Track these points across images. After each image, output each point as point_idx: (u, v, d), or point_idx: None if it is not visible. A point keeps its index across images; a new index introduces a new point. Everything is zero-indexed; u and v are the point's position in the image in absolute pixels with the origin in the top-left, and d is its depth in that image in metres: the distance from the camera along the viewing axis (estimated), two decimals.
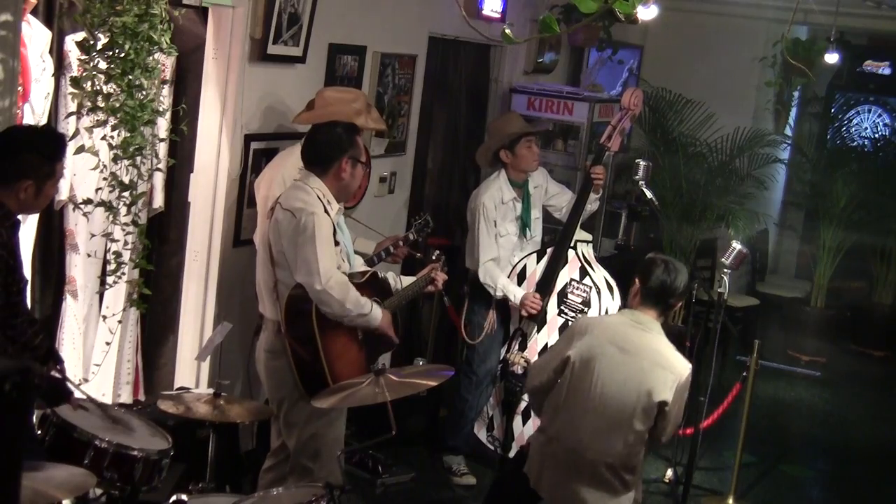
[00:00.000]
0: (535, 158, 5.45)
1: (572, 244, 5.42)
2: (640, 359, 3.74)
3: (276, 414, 4.15)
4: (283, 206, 3.96)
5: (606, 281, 5.40)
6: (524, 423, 5.45)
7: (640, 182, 5.51)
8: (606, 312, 5.33)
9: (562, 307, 5.36)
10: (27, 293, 3.41)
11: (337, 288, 3.88)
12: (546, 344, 5.37)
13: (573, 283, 5.36)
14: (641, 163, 5.57)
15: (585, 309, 5.30)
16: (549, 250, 5.46)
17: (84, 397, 3.48)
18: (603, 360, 3.76)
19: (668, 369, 3.73)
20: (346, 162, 4.03)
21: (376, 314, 4.04)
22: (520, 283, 5.42)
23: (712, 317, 5.25)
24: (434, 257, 4.57)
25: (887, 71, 9.94)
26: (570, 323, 5.32)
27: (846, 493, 6.21)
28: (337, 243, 4.02)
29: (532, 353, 5.38)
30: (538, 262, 5.44)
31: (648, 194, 5.54)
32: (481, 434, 5.61)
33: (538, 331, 5.40)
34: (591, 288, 5.31)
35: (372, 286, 4.14)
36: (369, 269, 4.29)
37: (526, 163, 5.42)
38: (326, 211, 3.97)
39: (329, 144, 4.06)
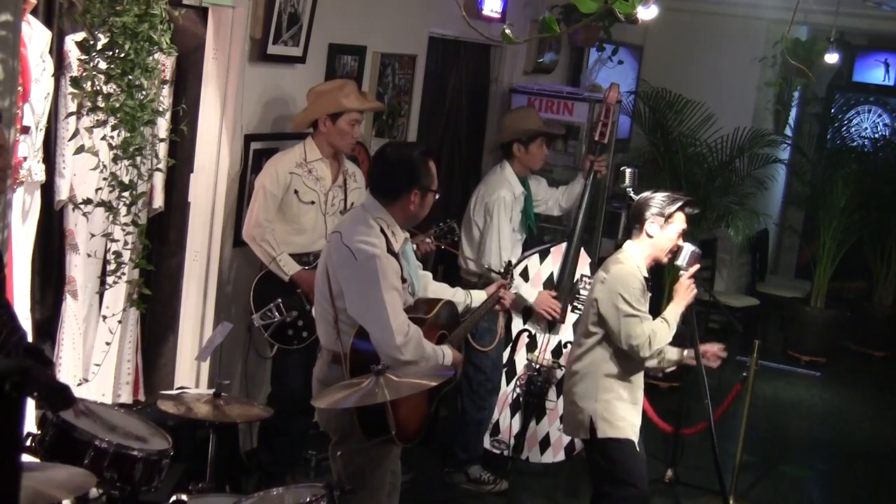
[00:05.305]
0: (544, 158, 5.47)
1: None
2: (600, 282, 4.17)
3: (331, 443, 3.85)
4: (342, 240, 3.57)
5: None
6: (538, 423, 5.49)
7: (629, 189, 5.48)
8: None
9: (574, 303, 5.41)
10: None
11: (412, 350, 3.54)
12: (559, 341, 5.46)
13: (584, 278, 5.44)
14: (627, 170, 5.51)
15: None
16: (552, 250, 5.46)
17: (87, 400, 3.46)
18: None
19: (604, 278, 4.14)
20: (416, 194, 3.60)
21: (447, 361, 3.72)
22: None
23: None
24: (502, 271, 4.32)
25: None
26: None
27: (846, 493, 6.21)
28: (404, 280, 3.62)
29: (543, 352, 5.43)
30: (542, 262, 5.44)
31: None
32: (486, 440, 5.59)
33: (552, 331, 5.43)
34: None
35: (438, 321, 3.84)
36: (438, 298, 3.91)
37: (536, 161, 5.41)
38: (390, 247, 3.57)
39: (399, 173, 3.61)
